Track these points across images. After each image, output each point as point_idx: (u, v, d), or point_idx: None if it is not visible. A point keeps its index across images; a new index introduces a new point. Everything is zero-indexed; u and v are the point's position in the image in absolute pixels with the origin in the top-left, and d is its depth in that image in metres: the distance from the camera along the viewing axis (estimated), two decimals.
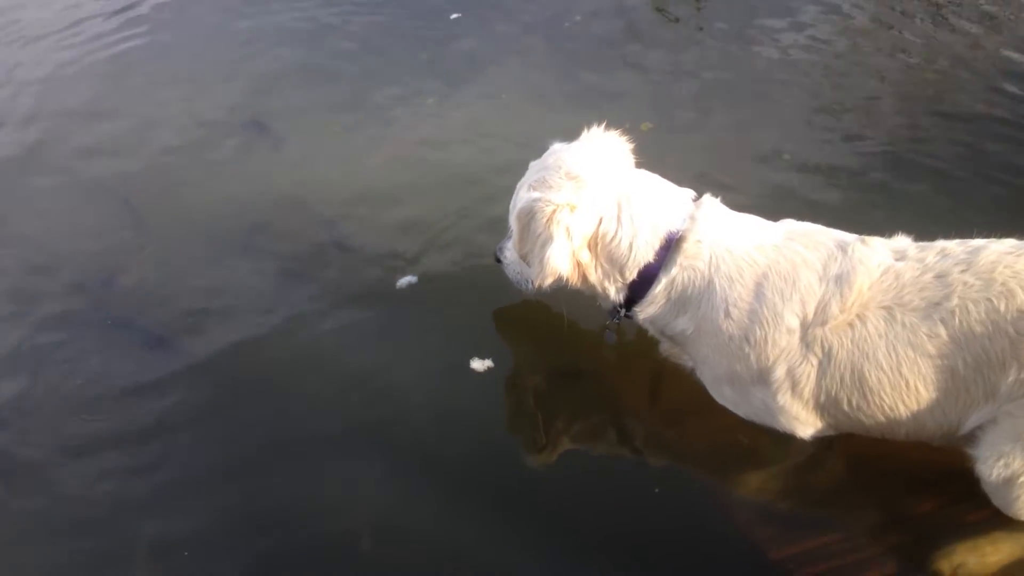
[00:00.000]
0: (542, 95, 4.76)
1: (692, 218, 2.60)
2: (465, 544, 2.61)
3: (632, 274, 2.63)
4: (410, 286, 3.47)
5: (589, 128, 2.81)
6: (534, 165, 2.78)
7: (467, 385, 3.06)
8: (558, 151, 2.75)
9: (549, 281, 2.67)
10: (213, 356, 3.29)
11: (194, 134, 4.66)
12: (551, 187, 2.61)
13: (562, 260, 2.60)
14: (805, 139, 4.23)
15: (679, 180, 2.79)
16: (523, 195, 2.68)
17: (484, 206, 3.79)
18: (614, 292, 2.70)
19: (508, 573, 2.55)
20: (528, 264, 2.73)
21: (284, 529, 2.69)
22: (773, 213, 2.75)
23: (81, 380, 3.26)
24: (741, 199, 2.85)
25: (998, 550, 2.39)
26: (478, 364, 3.07)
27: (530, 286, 2.83)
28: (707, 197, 2.70)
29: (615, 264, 2.63)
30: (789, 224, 2.66)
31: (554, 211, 2.55)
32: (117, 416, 3.09)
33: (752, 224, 2.66)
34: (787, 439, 2.62)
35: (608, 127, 2.82)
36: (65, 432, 3.06)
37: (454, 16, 5.58)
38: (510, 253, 2.92)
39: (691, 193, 2.72)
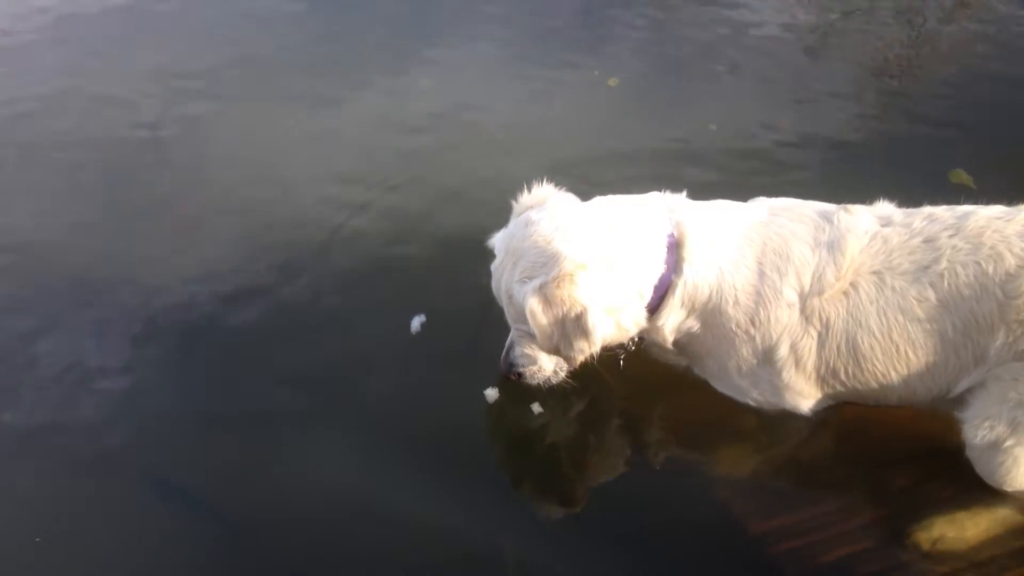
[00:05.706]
0: (513, 58, 4.65)
1: (678, 221, 2.47)
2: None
3: (648, 294, 2.45)
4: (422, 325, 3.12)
5: (518, 197, 2.58)
6: (498, 265, 2.51)
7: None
8: (520, 232, 2.44)
9: (599, 348, 2.41)
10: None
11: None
12: (545, 264, 2.34)
13: (604, 320, 2.37)
14: (769, 110, 4.21)
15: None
16: (521, 291, 2.36)
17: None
18: (641, 317, 2.48)
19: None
20: (564, 351, 2.40)
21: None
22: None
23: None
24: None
25: (976, 524, 2.38)
26: (491, 392, 2.81)
27: (562, 374, 2.58)
28: (671, 196, 2.58)
29: (632, 292, 2.43)
30: (766, 201, 2.59)
31: (569, 280, 2.30)
32: None
33: (732, 208, 2.57)
34: (766, 415, 2.56)
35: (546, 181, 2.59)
36: None
37: None
38: (528, 359, 2.56)
39: (657, 195, 2.58)
